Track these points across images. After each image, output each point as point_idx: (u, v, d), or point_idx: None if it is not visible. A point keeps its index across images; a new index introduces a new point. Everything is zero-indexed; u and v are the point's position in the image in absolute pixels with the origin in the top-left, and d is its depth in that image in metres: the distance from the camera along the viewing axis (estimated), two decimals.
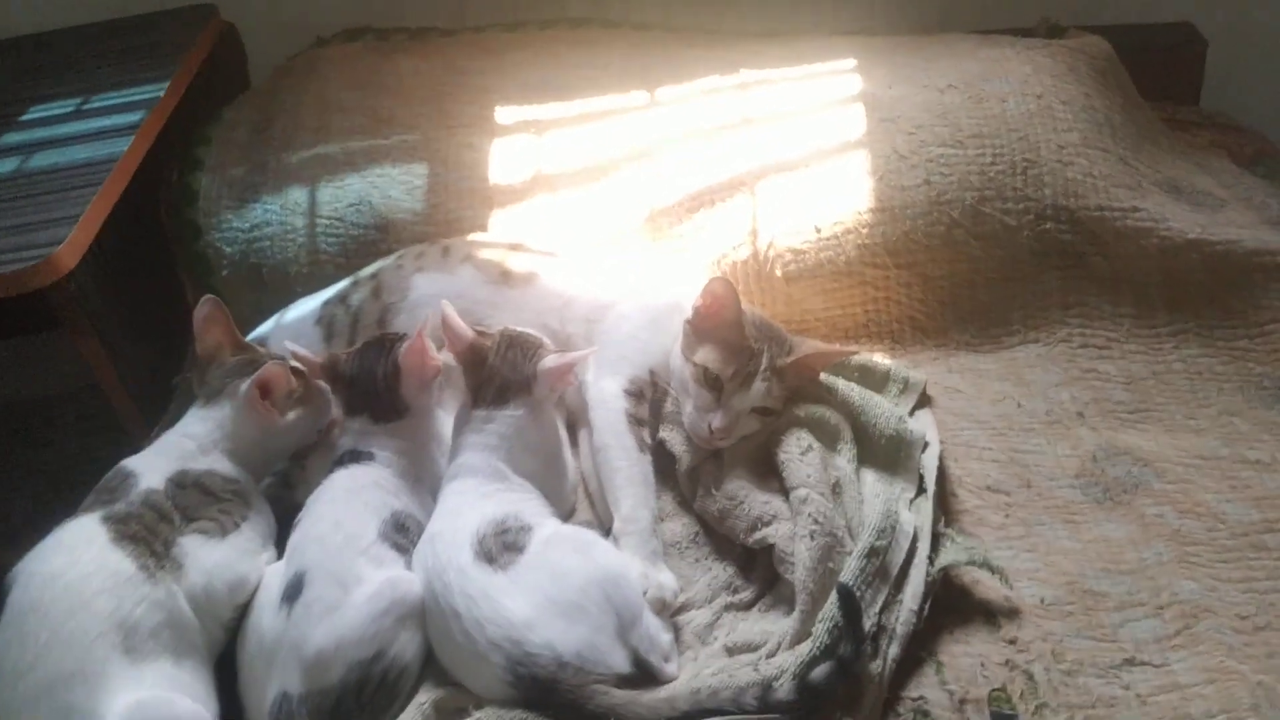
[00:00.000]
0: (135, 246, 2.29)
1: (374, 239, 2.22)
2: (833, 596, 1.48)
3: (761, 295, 2.12)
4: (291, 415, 1.73)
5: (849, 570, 1.52)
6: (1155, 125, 2.46)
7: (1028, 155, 2.18)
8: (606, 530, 1.73)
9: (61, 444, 2.34)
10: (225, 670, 1.54)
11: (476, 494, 1.65)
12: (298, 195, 2.28)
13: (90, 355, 2.13)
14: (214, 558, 1.53)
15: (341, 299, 2.01)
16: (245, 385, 1.67)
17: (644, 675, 1.50)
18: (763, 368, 1.75)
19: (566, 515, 1.79)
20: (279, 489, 1.80)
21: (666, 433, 1.84)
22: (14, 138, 2.25)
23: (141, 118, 2.22)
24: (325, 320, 1.99)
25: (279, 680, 1.46)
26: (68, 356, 2.31)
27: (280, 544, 1.64)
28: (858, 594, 1.48)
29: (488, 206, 2.24)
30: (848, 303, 2.14)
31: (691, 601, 1.66)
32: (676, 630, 1.61)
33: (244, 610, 1.56)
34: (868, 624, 1.48)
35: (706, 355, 1.77)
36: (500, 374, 1.73)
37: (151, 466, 1.61)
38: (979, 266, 2.15)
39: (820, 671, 1.41)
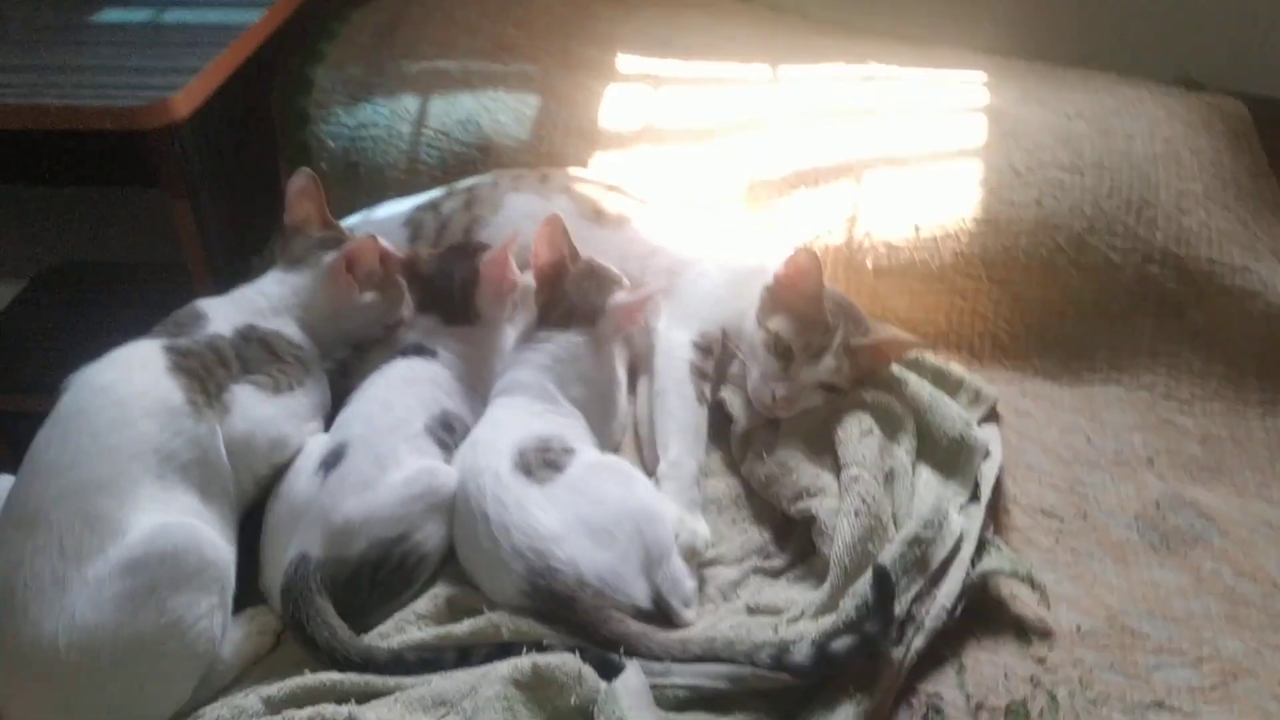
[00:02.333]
0: (241, 127, 2.32)
1: (474, 158, 2.23)
2: (866, 575, 1.44)
3: (847, 285, 2.07)
4: (368, 296, 1.74)
5: (889, 554, 1.48)
6: None
7: (1145, 195, 2.11)
8: (650, 475, 1.70)
9: (138, 311, 2.41)
10: (248, 537, 1.54)
11: (525, 411, 1.64)
12: (409, 103, 2.30)
13: (180, 218, 2.16)
14: (261, 411, 1.54)
15: (433, 205, 2.02)
16: (332, 255, 1.68)
17: (662, 617, 1.48)
18: (835, 344, 1.72)
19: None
20: (336, 376, 1.80)
21: (728, 394, 1.82)
22: None
23: None
24: (414, 223, 2.00)
25: (301, 541, 1.46)
26: (157, 223, 2.34)
27: (329, 421, 1.64)
28: (893, 578, 1.44)
29: (592, 147, 2.23)
30: (932, 308, 2.10)
31: (721, 558, 1.63)
32: (702, 582, 1.58)
33: (279, 472, 1.56)
34: (898, 609, 1.43)
35: (780, 323, 1.74)
36: (570, 299, 1.72)
37: (223, 314, 1.62)
38: (1074, 297, 2.09)
39: (841, 643, 1.37)
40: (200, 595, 1.35)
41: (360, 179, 2.26)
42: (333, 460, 1.51)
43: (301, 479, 1.53)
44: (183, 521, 1.37)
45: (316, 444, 1.58)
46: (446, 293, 1.75)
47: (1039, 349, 2.10)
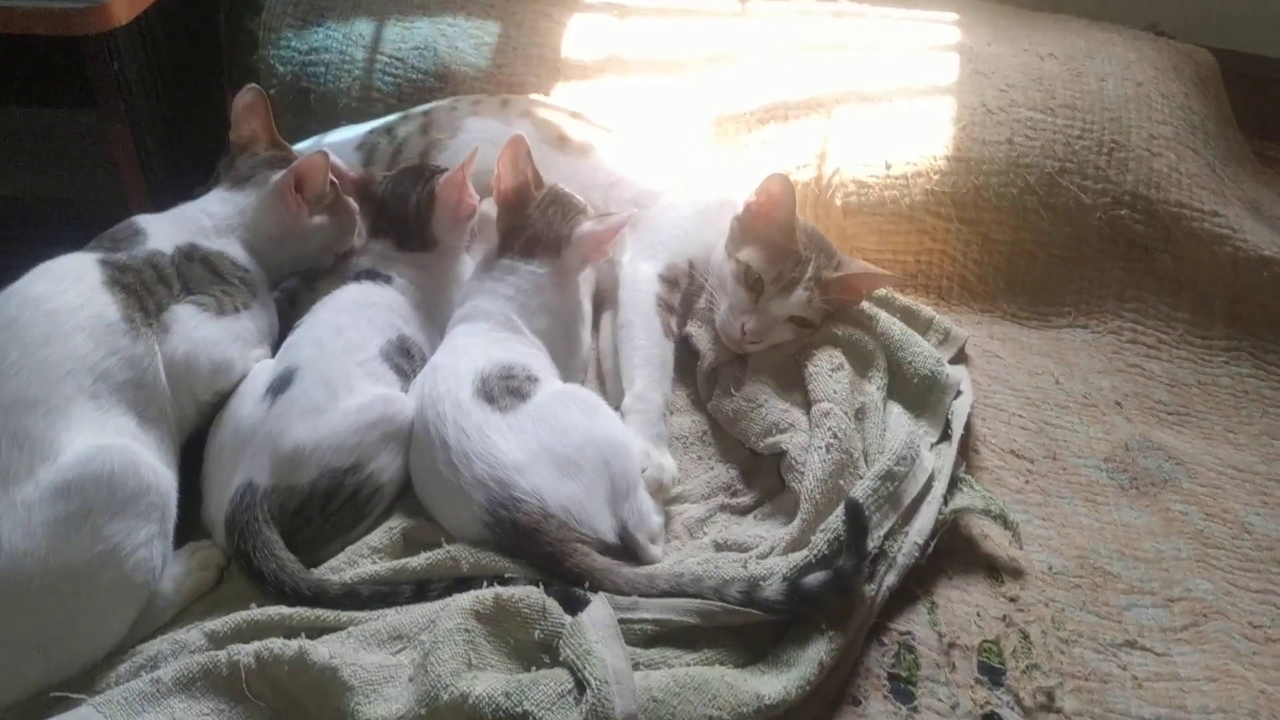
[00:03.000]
0: (185, 50, 2.21)
1: (431, 86, 2.15)
2: (838, 510, 1.40)
3: (815, 223, 2.01)
4: (318, 219, 1.65)
5: (862, 488, 1.45)
6: (1245, 150, 2.38)
7: (1117, 137, 2.10)
8: (615, 409, 1.64)
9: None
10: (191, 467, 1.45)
11: (486, 338, 1.57)
12: (363, 27, 2.20)
13: (119, 143, 2.05)
14: (203, 332, 1.45)
15: (388, 129, 1.94)
16: (279, 175, 1.59)
17: (626, 553, 1.42)
18: (807, 276, 1.67)
19: None
20: (284, 305, 1.71)
21: (694, 328, 1.77)
22: None
23: None
24: (367, 147, 1.92)
25: (247, 469, 1.38)
26: (94, 156, 2.21)
27: (278, 350, 1.55)
28: (866, 513, 1.40)
29: (554, 77, 2.16)
30: (902, 248, 2.06)
31: (687, 495, 1.58)
32: (668, 519, 1.53)
33: (223, 398, 1.47)
34: (870, 545, 1.39)
35: (751, 254, 1.69)
36: (534, 227, 1.65)
37: (162, 232, 1.53)
38: (1043, 239, 2.07)
39: (814, 578, 1.33)
40: (138, 522, 1.26)
41: (311, 106, 2.17)
42: (281, 385, 1.43)
43: (247, 404, 1.44)
44: (119, 444, 1.28)
45: (264, 369, 1.49)
46: (401, 216, 1.66)
47: (1007, 291, 2.08)
